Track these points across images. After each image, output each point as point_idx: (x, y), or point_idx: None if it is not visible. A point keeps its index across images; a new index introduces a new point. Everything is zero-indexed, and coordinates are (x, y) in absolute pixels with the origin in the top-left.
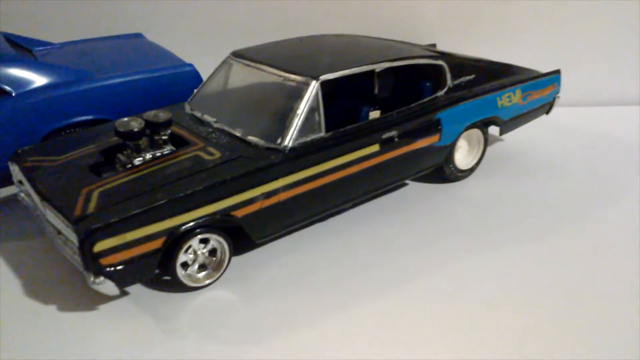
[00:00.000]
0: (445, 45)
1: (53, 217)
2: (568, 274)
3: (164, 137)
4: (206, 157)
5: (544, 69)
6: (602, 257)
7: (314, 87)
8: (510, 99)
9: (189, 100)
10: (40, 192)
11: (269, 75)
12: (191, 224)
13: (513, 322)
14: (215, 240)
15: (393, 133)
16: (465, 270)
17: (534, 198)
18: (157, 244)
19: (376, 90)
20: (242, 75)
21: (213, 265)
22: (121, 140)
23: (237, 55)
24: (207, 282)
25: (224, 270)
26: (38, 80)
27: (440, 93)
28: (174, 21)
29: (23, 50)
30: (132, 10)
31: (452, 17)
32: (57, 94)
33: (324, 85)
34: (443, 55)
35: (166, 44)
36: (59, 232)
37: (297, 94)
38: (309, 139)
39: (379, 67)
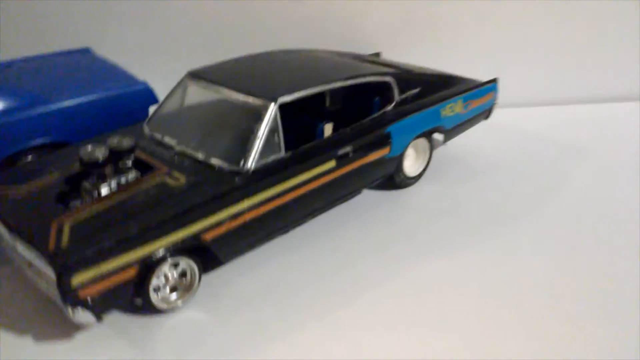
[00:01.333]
0: (390, 54)
1: (24, 250)
2: (521, 271)
3: (128, 163)
4: (172, 182)
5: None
6: (551, 254)
7: (272, 109)
8: (453, 109)
9: (146, 121)
10: (10, 225)
11: (227, 96)
12: (162, 250)
13: (474, 323)
14: (185, 262)
15: (348, 149)
16: (423, 274)
17: (479, 200)
18: (131, 272)
19: (327, 104)
20: (200, 97)
21: (184, 287)
22: (85, 167)
23: (194, 75)
24: (180, 303)
25: (195, 291)
26: None
27: (389, 107)
28: (121, 34)
29: None
30: (77, 23)
31: (396, 26)
32: (12, 120)
33: (281, 105)
34: (390, 66)
35: (113, 57)
36: (31, 264)
37: (256, 116)
38: (269, 159)
39: (333, 86)
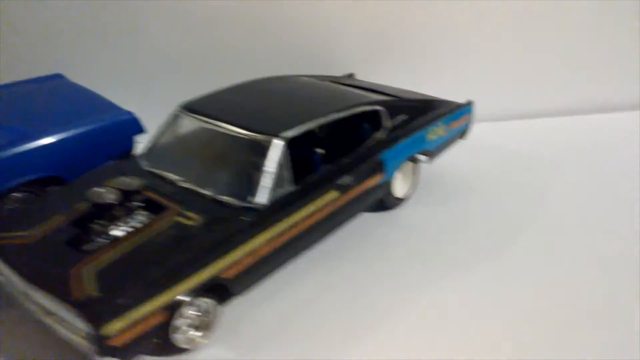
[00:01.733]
0: (362, 74)
1: (43, 299)
2: (528, 287)
3: (138, 204)
4: (186, 222)
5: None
6: (553, 267)
7: (281, 146)
8: (437, 132)
9: (140, 155)
10: (27, 276)
11: (228, 132)
12: (187, 292)
13: (494, 344)
14: (205, 301)
15: (349, 178)
16: (433, 298)
17: (470, 218)
18: (159, 317)
19: (317, 130)
20: (198, 131)
21: (205, 324)
22: (94, 209)
23: (188, 109)
24: (203, 341)
25: (215, 327)
26: None
27: (381, 135)
28: (88, 59)
29: None
30: (38, 47)
31: (369, 46)
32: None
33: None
34: (376, 92)
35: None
36: (50, 313)
37: (264, 152)
38: (280, 194)
39: (333, 118)
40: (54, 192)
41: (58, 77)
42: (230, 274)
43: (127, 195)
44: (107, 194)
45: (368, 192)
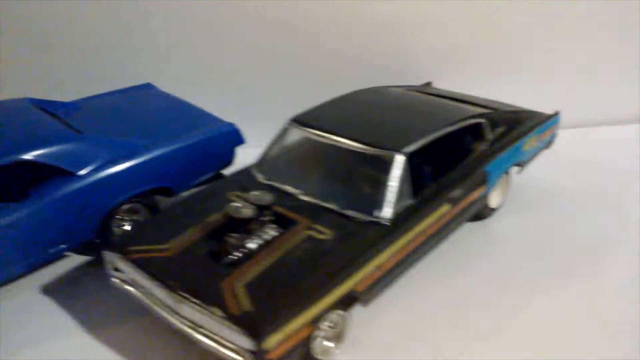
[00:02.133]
0: (440, 83)
1: (194, 313)
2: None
3: (269, 218)
4: (319, 236)
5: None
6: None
7: (402, 161)
8: (530, 143)
9: (254, 167)
10: (179, 290)
11: (347, 146)
12: (328, 306)
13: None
14: (339, 313)
15: (458, 191)
16: (543, 309)
17: (563, 229)
18: (306, 331)
19: None
20: (312, 145)
21: (337, 335)
22: (229, 222)
23: (301, 122)
24: (336, 351)
25: (346, 337)
26: (97, 157)
27: (483, 147)
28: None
29: (52, 116)
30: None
31: (445, 54)
32: (117, 170)
33: None
34: (471, 103)
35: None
36: (197, 326)
37: (386, 167)
38: (402, 207)
39: (445, 131)
40: (179, 205)
41: (149, 86)
42: (362, 286)
43: (261, 209)
44: (244, 209)
45: (472, 204)
